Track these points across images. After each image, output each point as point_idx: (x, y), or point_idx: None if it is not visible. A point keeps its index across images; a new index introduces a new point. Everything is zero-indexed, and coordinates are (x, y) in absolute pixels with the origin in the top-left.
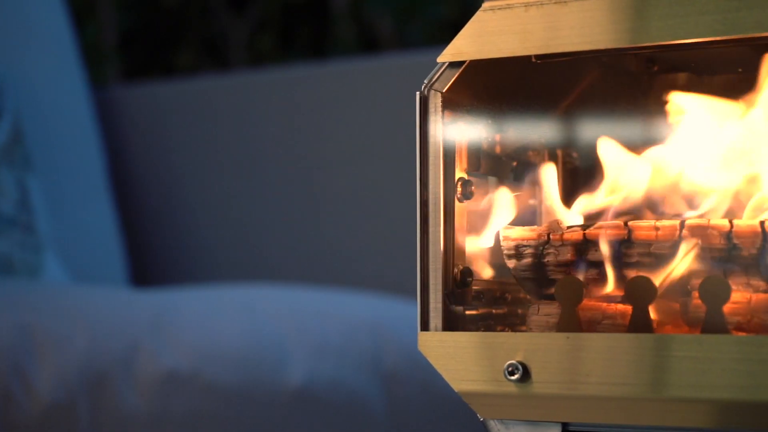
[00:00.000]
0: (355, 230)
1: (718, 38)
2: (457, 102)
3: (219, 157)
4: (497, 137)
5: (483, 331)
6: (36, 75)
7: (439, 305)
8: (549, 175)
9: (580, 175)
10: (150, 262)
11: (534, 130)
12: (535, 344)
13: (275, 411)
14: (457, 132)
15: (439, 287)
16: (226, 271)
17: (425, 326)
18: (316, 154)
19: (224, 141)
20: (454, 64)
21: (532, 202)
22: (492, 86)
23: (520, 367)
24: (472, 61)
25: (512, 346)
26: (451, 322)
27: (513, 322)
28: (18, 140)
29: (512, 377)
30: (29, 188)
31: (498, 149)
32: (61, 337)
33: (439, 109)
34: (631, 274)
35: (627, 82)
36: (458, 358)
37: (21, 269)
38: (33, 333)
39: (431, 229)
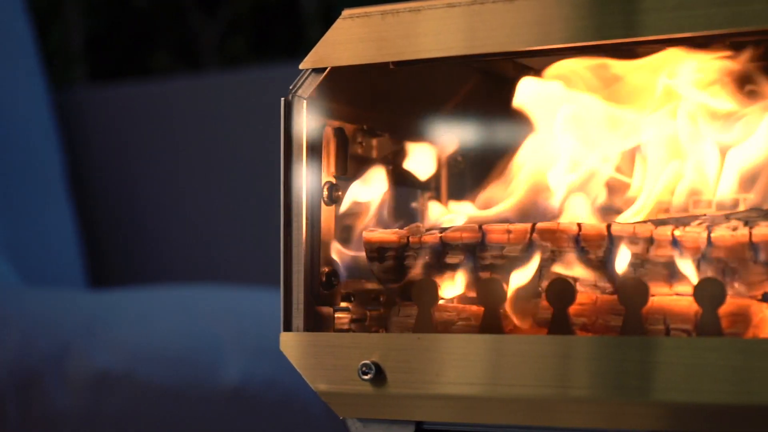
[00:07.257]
0: None
1: (564, 45)
2: (326, 107)
3: (184, 160)
4: (369, 141)
5: (350, 331)
6: None
7: (301, 306)
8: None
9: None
10: (111, 264)
11: (402, 134)
12: (389, 345)
13: (211, 411)
14: (324, 137)
15: (302, 288)
16: (188, 274)
17: (288, 327)
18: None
19: (190, 143)
20: (317, 71)
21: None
22: (359, 91)
23: (373, 367)
24: (335, 68)
25: (368, 346)
26: (317, 323)
27: (384, 323)
28: None
29: (365, 377)
30: None
31: (368, 153)
32: None
33: (303, 114)
34: (485, 276)
35: (496, 86)
36: (317, 359)
37: None
38: None
39: (294, 232)
